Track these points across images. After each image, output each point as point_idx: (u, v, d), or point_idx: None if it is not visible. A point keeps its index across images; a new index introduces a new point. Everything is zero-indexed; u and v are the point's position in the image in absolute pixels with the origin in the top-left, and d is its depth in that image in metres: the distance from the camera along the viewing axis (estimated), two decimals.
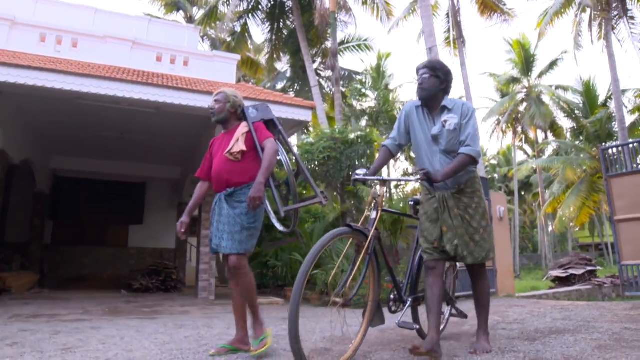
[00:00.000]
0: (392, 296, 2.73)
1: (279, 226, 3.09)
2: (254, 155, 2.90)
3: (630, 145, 6.16)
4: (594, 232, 39.09)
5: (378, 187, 2.67)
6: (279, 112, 6.80)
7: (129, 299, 7.55)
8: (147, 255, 12.96)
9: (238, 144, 2.86)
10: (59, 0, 13.63)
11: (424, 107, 2.74)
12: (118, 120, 7.95)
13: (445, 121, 2.63)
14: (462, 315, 3.18)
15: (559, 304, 5.52)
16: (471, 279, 2.78)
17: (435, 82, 2.66)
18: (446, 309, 3.24)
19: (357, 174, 2.75)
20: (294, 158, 3.21)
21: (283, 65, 20.21)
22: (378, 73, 25.89)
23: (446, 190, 2.63)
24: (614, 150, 6.38)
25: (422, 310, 2.82)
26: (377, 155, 2.99)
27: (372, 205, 2.61)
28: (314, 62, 16.50)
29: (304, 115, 7.03)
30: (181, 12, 20.55)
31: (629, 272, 5.85)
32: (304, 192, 9.42)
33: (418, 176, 2.49)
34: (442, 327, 3.01)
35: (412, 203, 3.04)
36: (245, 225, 2.77)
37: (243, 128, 2.96)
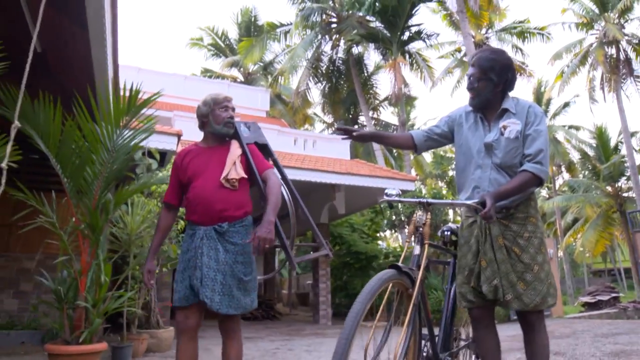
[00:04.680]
0: (424, 353, 2.12)
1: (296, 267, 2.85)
2: (246, 184, 2.41)
3: None
4: (606, 258, 41.09)
5: (420, 213, 2.04)
6: (387, 184, 9.33)
7: (265, 325, 9.92)
8: None
9: (237, 169, 2.34)
10: (157, 71, 16.61)
11: (479, 113, 2.19)
12: None
13: (505, 127, 2.07)
14: None
15: (604, 321, 7.89)
16: (523, 331, 2.14)
17: (488, 85, 2.09)
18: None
19: (388, 194, 2.15)
20: (296, 197, 2.69)
21: (324, 115, 23.01)
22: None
23: None
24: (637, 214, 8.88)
25: None
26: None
27: (415, 237, 2.02)
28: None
29: (409, 186, 9.55)
30: (241, 68, 23.42)
31: None
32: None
33: (475, 200, 1.96)
34: None
35: (449, 232, 2.48)
36: (242, 278, 2.24)
37: (237, 149, 2.42)
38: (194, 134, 10.16)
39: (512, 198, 2.02)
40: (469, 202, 1.93)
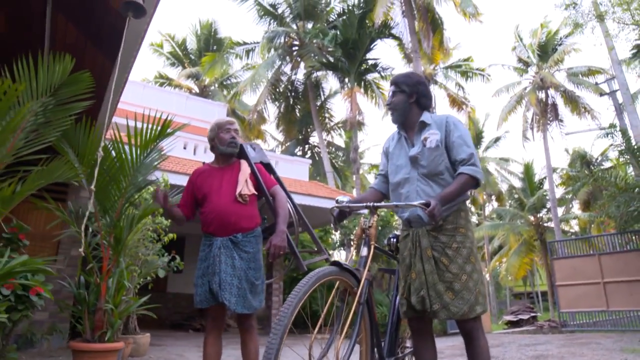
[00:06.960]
0: None
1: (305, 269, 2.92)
2: (255, 199, 2.74)
3: (564, 244, 10.17)
4: (527, 282, 44.47)
5: (364, 218, 2.12)
6: None
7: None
8: (182, 300, 15.05)
9: (248, 186, 2.67)
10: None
11: (402, 132, 2.36)
12: None
13: (426, 138, 2.21)
14: None
15: (525, 335, 9.10)
16: (463, 340, 2.16)
17: (402, 97, 2.29)
18: None
19: (340, 201, 2.28)
20: (294, 209, 3.06)
21: (277, 132, 23.70)
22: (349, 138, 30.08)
23: (420, 227, 2.17)
24: (555, 244, 10.33)
25: None
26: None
27: (362, 239, 2.09)
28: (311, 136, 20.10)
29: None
30: (197, 80, 23.56)
31: (565, 316, 9.69)
32: None
33: (420, 201, 1.98)
34: None
35: (395, 239, 2.56)
36: (254, 282, 2.56)
37: (247, 168, 2.76)
38: None
39: (448, 205, 2.12)
40: (414, 203, 2.00)
